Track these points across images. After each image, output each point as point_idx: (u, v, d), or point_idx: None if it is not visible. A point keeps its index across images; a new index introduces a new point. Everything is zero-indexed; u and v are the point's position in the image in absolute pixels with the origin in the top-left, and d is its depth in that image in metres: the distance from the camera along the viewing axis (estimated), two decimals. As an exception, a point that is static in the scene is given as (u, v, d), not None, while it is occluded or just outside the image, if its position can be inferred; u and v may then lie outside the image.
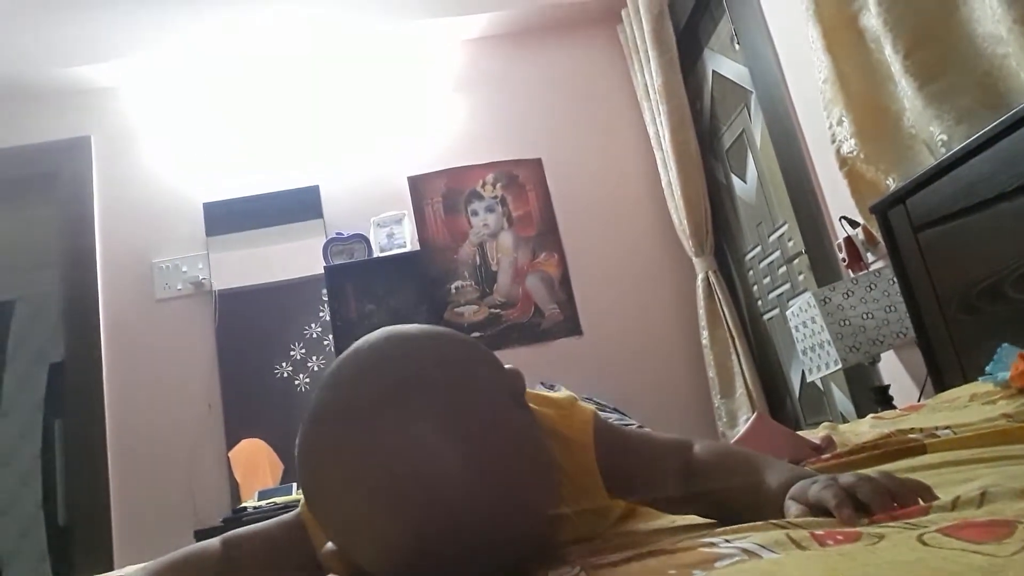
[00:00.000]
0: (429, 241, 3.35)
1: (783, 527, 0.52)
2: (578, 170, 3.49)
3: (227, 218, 3.28)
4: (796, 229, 2.57)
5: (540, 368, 2.96)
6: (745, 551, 0.44)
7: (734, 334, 3.03)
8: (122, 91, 3.41)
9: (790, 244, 2.71)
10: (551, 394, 0.75)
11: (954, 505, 0.51)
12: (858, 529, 0.47)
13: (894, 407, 1.74)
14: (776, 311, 2.93)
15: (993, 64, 1.44)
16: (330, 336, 3.10)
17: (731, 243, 3.24)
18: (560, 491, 0.64)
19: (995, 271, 1.33)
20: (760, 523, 0.55)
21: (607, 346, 3.25)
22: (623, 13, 3.45)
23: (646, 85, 3.34)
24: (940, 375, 1.57)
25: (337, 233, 3.17)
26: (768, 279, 2.96)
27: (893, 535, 0.43)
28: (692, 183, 3.15)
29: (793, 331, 2.01)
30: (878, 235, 1.76)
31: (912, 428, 0.94)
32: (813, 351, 1.90)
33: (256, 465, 2.89)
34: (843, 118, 1.87)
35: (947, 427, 0.90)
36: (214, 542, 0.73)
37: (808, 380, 2.17)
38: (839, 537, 0.45)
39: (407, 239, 3.20)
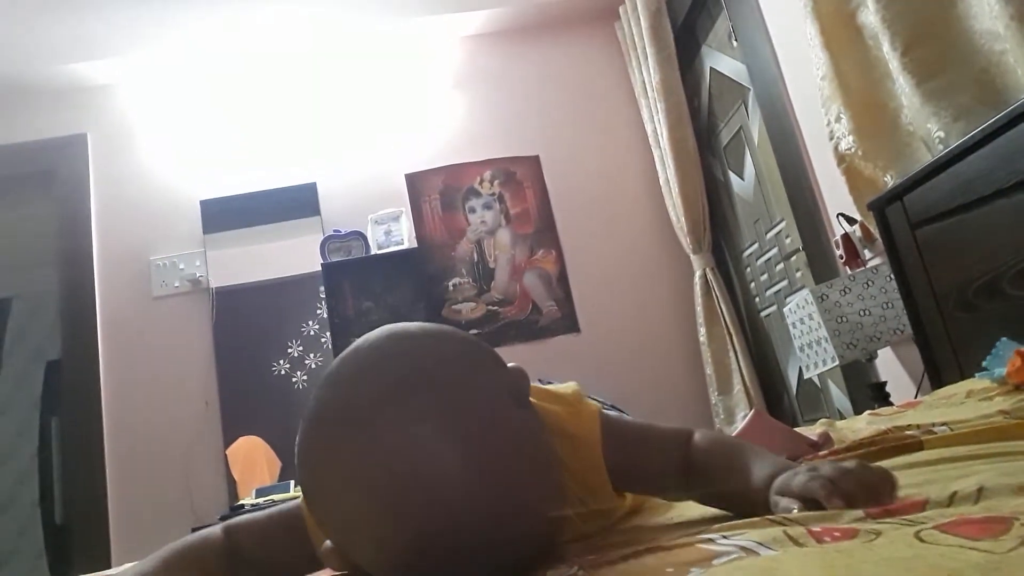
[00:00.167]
0: (427, 238, 3.34)
1: (780, 523, 0.52)
2: (576, 167, 3.49)
3: (224, 215, 3.27)
4: (794, 226, 2.57)
5: (538, 365, 2.96)
6: (742, 548, 0.44)
7: (732, 331, 3.03)
8: (119, 88, 3.40)
9: (787, 241, 2.71)
10: (558, 388, 0.75)
11: (951, 501, 0.51)
12: (855, 526, 0.47)
13: (891, 404, 1.74)
14: (773, 308, 2.93)
15: (991, 61, 1.44)
16: (327, 333, 3.10)
17: (729, 240, 3.24)
18: (566, 490, 0.64)
19: (992, 268, 1.33)
20: (757, 519, 0.55)
21: (605, 343, 3.25)
22: (621, 10, 3.45)
23: (644, 82, 3.34)
24: (937, 372, 1.57)
25: (335, 230, 3.16)
26: (765, 276, 2.96)
27: (890, 531, 0.43)
28: (690, 180, 3.15)
29: (790, 328, 2.01)
30: (875, 232, 1.76)
31: (909, 424, 0.95)
32: (810, 348, 1.91)
33: (253, 463, 2.89)
34: (841, 115, 1.88)
35: (944, 423, 0.90)
36: (216, 530, 0.73)
37: (805, 377, 2.16)
38: (836, 534, 0.44)
39: (404, 236, 3.20)
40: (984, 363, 1.16)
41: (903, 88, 1.61)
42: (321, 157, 3.39)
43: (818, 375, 2.08)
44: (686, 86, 3.22)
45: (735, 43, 2.78)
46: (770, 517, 0.55)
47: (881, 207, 1.63)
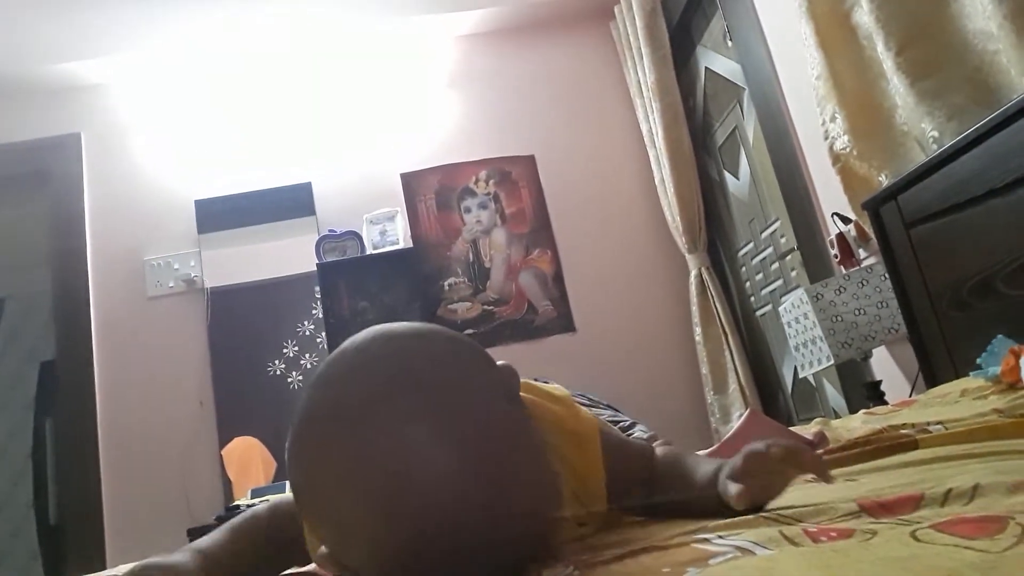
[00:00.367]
0: (422, 238, 3.34)
1: (776, 523, 0.52)
2: (571, 167, 3.49)
3: (219, 215, 3.26)
4: (789, 225, 2.58)
5: (533, 365, 2.96)
6: (739, 548, 0.44)
7: (727, 330, 3.04)
8: (112, 87, 3.39)
9: (783, 240, 2.71)
10: (552, 389, 0.75)
11: (946, 500, 0.51)
12: (851, 526, 0.47)
13: (886, 403, 1.75)
14: (769, 307, 2.94)
15: (984, 61, 1.45)
16: (323, 333, 3.09)
17: (724, 239, 3.25)
18: (560, 489, 0.64)
19: (986, 267, 1.33)
20: (752, 518, 0.55)
21: (600, 343, 3.25)
22: (616, 10, 3.45)
23: (639, 82, 3.34)
24: (932, 371, 1.57)
25: (330, 230, 3.16)
26: (761, 275, 2.96)
27: (886, 531, 0.44)
28: (685, 180, 3.15)
29: (785, 327, 2.01)
30: (870, 231, 1.77)
31: (904, 423, 0.95)
32: (805, 347, 1.91)
33: (249, 463, 2.88)
34: (836, 115, 1.88)
35: (939, 422, 0.91)
36: (263, 507, 0.76)
37: (800, 376, 2.17)
38: (833, 534, 0.45)
39: (400, 236, 3.19)
40: (979, 360, 1.16)
41: (897, 88, 1.61)
42: (316, 157, 3.38)
43: (813, 374, 2.08)
44: (681, 86, 3.23)
45: (730, 43, 2.78)
46: (763, 514, 0.56)
47: (875, 206, 1.64)
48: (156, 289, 3.18)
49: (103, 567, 2.54)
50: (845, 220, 2.06)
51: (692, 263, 3.20)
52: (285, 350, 3.13)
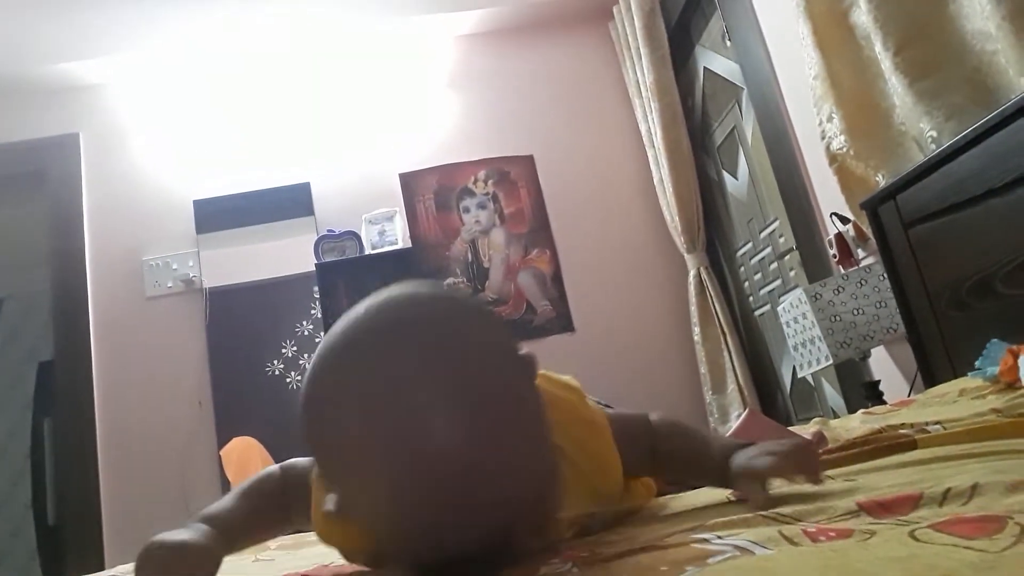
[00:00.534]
0: (421, 238, 3.34)
1: (775, 522, 0.52)
2: (570, 167, 3.49)
3: (218, 215, 3.26)
4: (787, 225, 2.58)
5: (532, 365, 2.95)
6: (737, 548, 0.44)
7: (725, 330, 3.04)
8: (111, 88, 3.38)
9: (781, 240, 2.72)
10: (568, 379, 0.76)
11: (944, 500, 0.51)
12: (850, 526, 0.48)
13: (884, 402, 1.75)
14: (767, 307, 2.94)
15: (982, 61, 1.45)
16: (322, 334, 3.09)
17: (722, 239, 3.25)
18: (582, 473, 0.66)
19: (985, 267, 1.33)
20: (750, 516, 0.55)
21: (599, 342, 3.25)
22: (615, 10, 3.45)
23: (638, 82, 3.34)
24: (930, 370, 1.58)
25: (328, 230, 3.16)
26: (759, 275, 2.96)
27: (885, 531, 0.44)
28: (683, 180, 3.15)
29: (784, 327, 2.01)
30: (868, 231, 1.77)
31: (902, 423, 0.95)
32: (804, 347, 1.91)
33: (247, 463, 2.88)
34: (833, 115, 1.88)
35: (937, 422, 0.91)
36: (275, 468, 0.76)
37: (799, 376, 2.17)
38: (832, 533, 0.45)
39: (399, 236, 3.19)
40: (976, 363, 1.17)
41: (895, 88, 1.61)
42: (315, 157, 3.38)
43: (812, 374, 2.08)
44: (680, 86, 3.23)
45: (729, 43, 2.78)
46: (762, 513, 0.56)
47: (874, 206, 1.64)
48: (155, 289, 3.18)
49: (101, 567, 2.54)
50: (844, 220, 2.06)
51: (691, 263, 3.20)
52: (284, 350, 3.13)
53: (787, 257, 2.69)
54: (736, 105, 2.86)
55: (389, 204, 3.29)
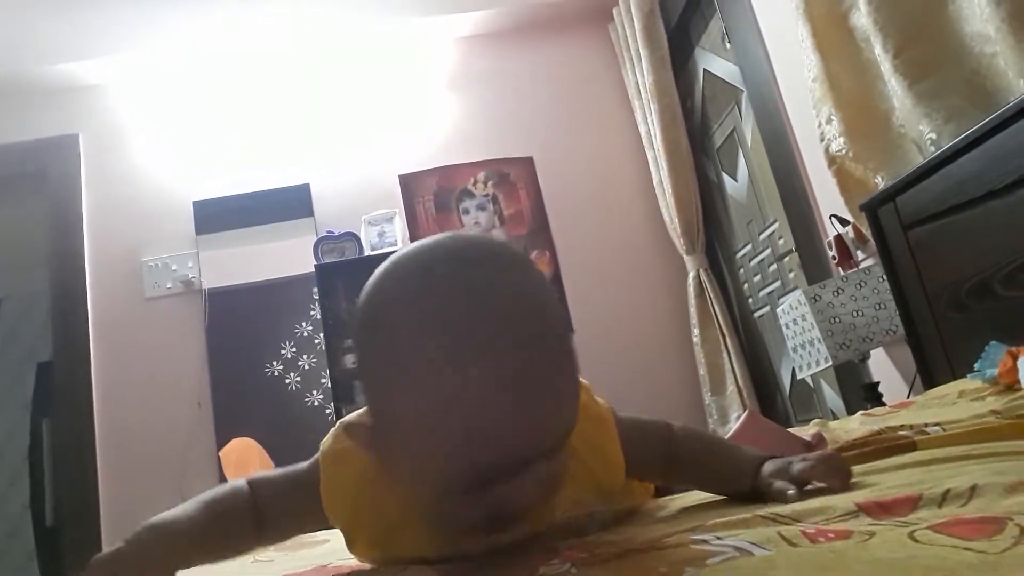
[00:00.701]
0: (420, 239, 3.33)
1: (774, 522, 0.52)
2: (569, 168, 3.49)
3: (217, 216, 3.26)
4: (787, 227, 2.58)
5: (532, 366, 2.95)
6: (736, 548, 0.44)
7: (725, 332, 3.04)
8: (111, 88, 3.38)
9: (780, 242, 2.72)
10: None
11: (944, 501, 0.51)
12: (849, 527, 0.47)
13: (884, 404, 1.75)
14: (767, 309, 2.94)
15: (981, 63, 1.45)
16: (321, 335, 3.09)
17: (722, 241, 3.25)
18: (585, 467, 0.68)
19: (984, 268, 1.34)
20: (749, 517, 0.55)
21: (598, 344, 3.25)
22: (614, 12, 3.45)
23: (637, 84, 3.35)
24: (929, 372, 1.58)
25: (328, 231, 3.16)
26: (759, 277, 2.97)
27: (884, 532, 0.44)
28: (683, 181, 3.16)
29: (783, 328, 2.01)
30: (868, 233, 1.77)
31: (902, 425, 0.95)
32: (803, 348, 1.91)
33: (247, 464, 2.87)
34: (832, 116, 1.88)
35: (936, 424, 0.91)
36: (243, 484, 0.72)
37: (799, 377, 2.17)
38: (831, 535, 0.45)
39: (398, 237, 3.19)
40: (975, 365, 1.17)
41: (895, 90, 1.62)
42: (314, 158, 3.38)
43: (811, 375, 2.08)
44: (679, 87, 3.23)
45: (728, 45, 2.79)
46: (761, 514, 0.56)
47: (873, 208, 1.64)
48: (154, 290, 3.17)
49: (100, 568, 2.53)
50: (843, 222, 2.07)
51: (690, 264, 3.20)
52: (283, 351, 3.13)
53: (786, 259, 2.70)
54: (736, 107, 2.86)
55: (388, 205, 3.29)
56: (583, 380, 0.76)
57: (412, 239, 3.30)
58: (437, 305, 0.50)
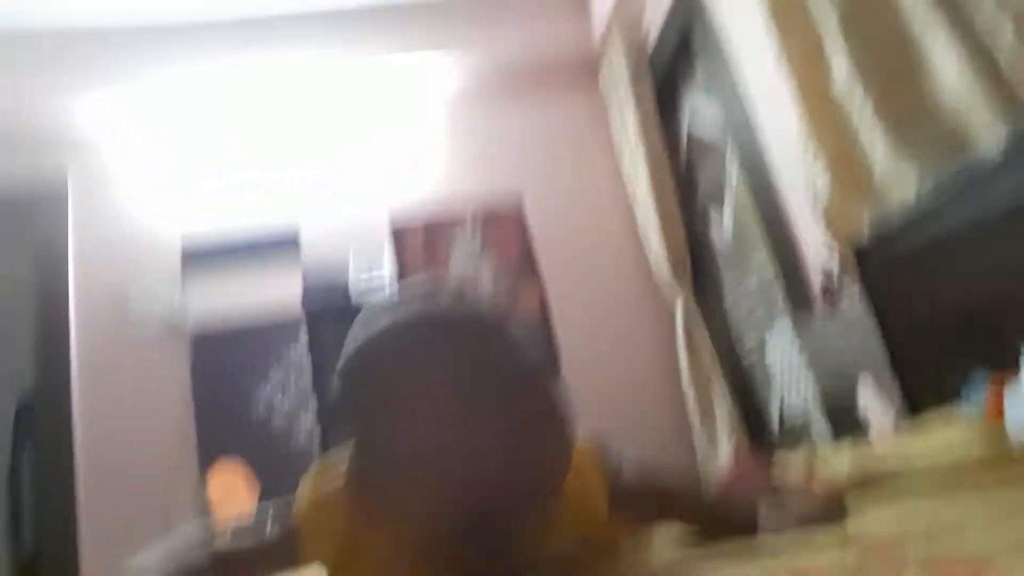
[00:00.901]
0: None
1: (759, 556, 0.53)
2: (558, 213, 3.54)
3: (204, 258, 3.25)
4: (773, 269, 2.61)
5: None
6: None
7: (713, 369, 3.05)
8: (98, 129, 3.38)
9: (767, 283, 2.75)
10: None
11: (929, 538, 0.52)
12: (836, 565, 0.48)
13: (870, 435, 1.76)
14: (754, 347, 2.95)
15: (959, 112, 1.50)
16: (308, 378, 3.07)
17: (710, 284, 3.28)
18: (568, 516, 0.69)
19: (965, 304, 1.37)
20: (734, 549, 0.56)
21: (587, 384, 3.22)
22: (603, 62, 3.54)
23: (625, 132, 3.42)
24: (914, 404, 1.60)
25: (316, 274, 3.16)
26: (746, 316, 2.99)
27: (870, 569, 0.44)
28: (669, 228, 3.20)
29: (771, 366, 2.03)
30: (853, 275, 1.80)
31: (887, 456, 0.96)
32: (790, 383, 1.93)
33: (231, 488, 2.83)
34: (816, 162, 1.93)
35: (922, 456, 0.92)
36: (204, 559, 0.73)
37: (786, 411, 2.17)
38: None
39: (387, 279, 3.20)
40: (960, 399, 1.18)
41: (875, 140, 1.66)
42: (303, 202, 3.40)
43: (799, 408, 2.09)
44: (666, 135, 3.29)
45: (713, 94, 2.86)
46: (748, 546, 0.56)
47: (859, 252, 1.68)
48: (139, 330, 3.15)
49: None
50: (828, 265, 2.10)
51: (679, 306, 3.22)
52: (268, 392, 3.10)
53: (773, 298, 2.72)
54: (721, 155, 2.92)
55: (377, 249, 3.31)
56: (587, 444, 0.79)
57: (400, 280, 3.31)
58: (425, 362, 0.55)
